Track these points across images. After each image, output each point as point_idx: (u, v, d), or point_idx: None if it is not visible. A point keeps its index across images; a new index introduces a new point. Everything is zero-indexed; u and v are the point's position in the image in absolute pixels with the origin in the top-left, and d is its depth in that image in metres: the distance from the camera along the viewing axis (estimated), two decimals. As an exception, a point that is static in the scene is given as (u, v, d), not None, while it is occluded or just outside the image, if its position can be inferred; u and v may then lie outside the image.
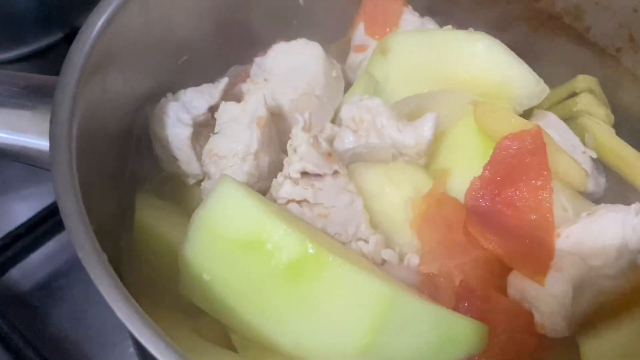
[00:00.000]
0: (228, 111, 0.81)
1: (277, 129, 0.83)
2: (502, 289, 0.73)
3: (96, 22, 0.73)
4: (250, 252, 0.67)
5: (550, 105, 0.94)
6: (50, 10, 1.16)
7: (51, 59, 1.24)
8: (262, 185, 0.78)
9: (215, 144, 0.80)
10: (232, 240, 0.67)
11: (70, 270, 1.08)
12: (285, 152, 0.76)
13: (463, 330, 0.68)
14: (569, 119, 0.93)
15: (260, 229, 0.67)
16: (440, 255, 0.72)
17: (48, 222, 1.03)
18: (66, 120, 0.63)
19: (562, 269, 0.71)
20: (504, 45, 0.85)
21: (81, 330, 1.02)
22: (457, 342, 0.68)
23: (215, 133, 0.81)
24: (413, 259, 0.74)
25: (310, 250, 0.66)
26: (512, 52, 0.85)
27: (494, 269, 0.72)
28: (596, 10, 0.91)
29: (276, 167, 0.78)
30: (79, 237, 0.58)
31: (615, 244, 0.71)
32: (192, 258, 0.69)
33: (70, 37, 1.21)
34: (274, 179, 0.75)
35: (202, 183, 0.80)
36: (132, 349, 1.01)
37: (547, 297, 0.70)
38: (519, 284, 0.72)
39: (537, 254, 0.71)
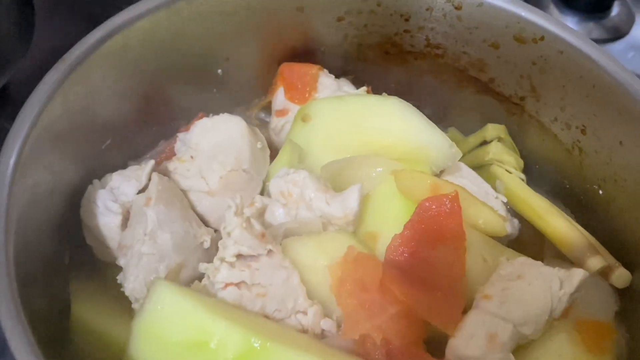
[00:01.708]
0: (136, 203, 0.82)
1: (201, 203, 0.86)
2: (420, 340, 0.77)
3: (26, 119, 0.75)
4: (196, 354, 0.68)
5: (463, 154, 1.00)
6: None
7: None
8: (171, 262, 0.79)
9: (123, 236, 0.82)
10: (175, 343, 0.69)
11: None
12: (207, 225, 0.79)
13: None
14: (481, 167, 0.99)
15: (202, 329, 0.69)
16: (360, 318, 0.76)
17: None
18: (3, 215, 0.65)
19: (504, 343, 0.75)
20: (416, 110, 0.90)
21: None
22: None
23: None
24: (332, 328, 0.77)
25: (255, 345, 0.68)
26: (424, 117, 0.90)
27: (411, 323, 0.76)
28: (498, 63, 0.97)
29: (188, 243, 0.81)
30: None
31: (545, 316, 0.77)
32: None
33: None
34: (210, 264, 0.77)
35: (118, 277, 0.80)
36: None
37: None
38: (463, 353, 0.75)
39: (448, 306, 0.76)
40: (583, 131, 0.91)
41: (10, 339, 0.62)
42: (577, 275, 0.78)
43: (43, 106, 0.76)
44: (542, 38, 0.89)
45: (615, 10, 1.52)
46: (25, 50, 1.14)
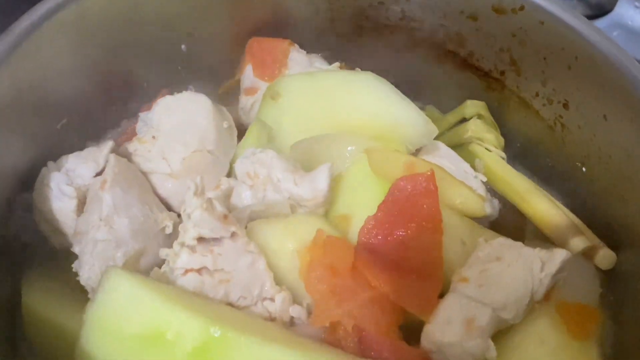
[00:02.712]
0: (92, 187, 0.77)
1: (163, 186, 0.81)
2: (395, 327, 0.73)
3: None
4: (151, 346, 0.64)
5: (441, 132, 0.96)
6: None
7: None
8: (129, 249, 0.74)
9: (79, 222, 0.77)
10: (130, 335, 0.64)
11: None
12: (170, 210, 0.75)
13: None
14: (460, 145, 0.95)
15: (158, 320, 0.64)
16: (330, 305, 0.71)
17: None
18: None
19: (482, 328, 0.71)
20: (391, 85, 0.86)
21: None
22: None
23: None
24: (302, 315, 0.73)
25: (216, 334, 0.63)
26: (399, 93, 0.85)
27: (385, 309, 0.72)
28: (477, 37, 0.92)
29: (148, 228, 0.76)
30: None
31: (525, 299, 0.73)
32: (90, 357, 0.65)
33: None
34: (170, 250, 0.72)
35: (73, 265, 0.75)
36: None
37: (467, 356, 0.71)
38: (439, 340, 0.71)
39: (424, 290, 0.72)
40: (565, 106, 0.87)
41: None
42: (559, 255, 0.74)
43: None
44: (522, 8, 0.85)
45: (599, -14, 1.48)
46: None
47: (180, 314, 0.63)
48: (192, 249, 0.71)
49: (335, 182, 0.81)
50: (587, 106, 0.84)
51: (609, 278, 0.83)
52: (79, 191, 0.79)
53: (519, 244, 0.76)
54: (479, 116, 0.96)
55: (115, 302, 0.65)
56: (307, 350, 0.67)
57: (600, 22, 1.47)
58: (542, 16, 0.83)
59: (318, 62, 0.96)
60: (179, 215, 0.81)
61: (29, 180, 0.80)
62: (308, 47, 0.98)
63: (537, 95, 0.90)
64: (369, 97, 0.85)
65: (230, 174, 0.87)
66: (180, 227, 0.74)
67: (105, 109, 0.91)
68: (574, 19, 0.81)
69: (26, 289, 0.75)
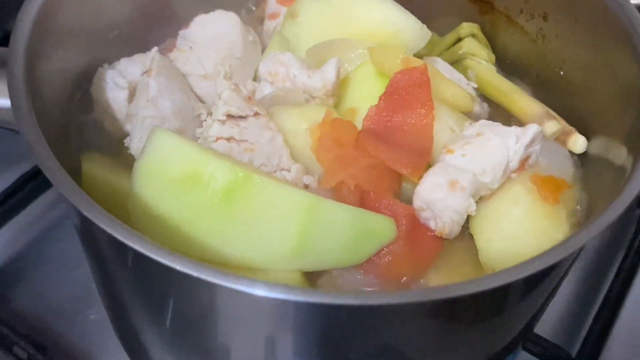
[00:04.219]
0: (140, 81, 0.93)
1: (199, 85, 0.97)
2: (391, 190, 0.87)
3: (34, 5, 0.85)
4: (189, 186, 0.77)
5: (439, 52, 1.10)
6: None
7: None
8: (171, 126, 0.90)
9: (129, 107, 0.93)
10: (172, 179, 0.77)
11: (25, 255, 1.20)
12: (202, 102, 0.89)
13: (376, 224, 0.81)
14: (456, 62, 1.08)
15: (195, 165, 0.77)
16: (336, 169, 0.85)
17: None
18: (22, 81, 0.75)
19: (464, 188, 0.84)
20: (393, 1, 1.00)
21: (43, 306, 1.12)
22: (372, 235, 0.81)
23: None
24: (313, 183, 0.87)
25: (240, 174, 0.77)
26: (400, 7, 0.99)
27: (382, 173, 0.86)
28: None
29: (187, 112, 0.92)
30: (50, 164, 0.69)
31: (501, 166, 0.86)
32: (140, 200, 0.79)
33: (5, 41, 1.31)
34: (204, 122, 0.87)
35: (124, 141, 0.91)
36: (92, 316, 1.12)
37: (451, 211, 0.84)
38: (427, 197, 0.84)
39: (415, 158, 0.86)
40: (545, 17, 1.00)
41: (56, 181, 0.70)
42: (531, 129, 0.86)
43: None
44: None
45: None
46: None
47: (212, 161, 0.78)
48: (222, 122, 0.86)
49: (343, 82, 0.96)
50: (561, 15, 0.97)
51: (581, 160, 0.95)
52: (130, 84, 0.94)
53: (498, 124, 0.89)
54: (473, 36, 1.09)
55: (160, 152, 0.79)
56: (317, 195, 0.81)
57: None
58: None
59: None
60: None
61: (88, 78, 0.96)
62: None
63: (521, 12, 1.04)
64: (374, 10, 0.99)
65: (255, 79, 1.02)
66: (213, 108, 0.89)
67: (150, 28, 1.06)
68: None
69: (85, 160, 0.90)
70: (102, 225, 0.64)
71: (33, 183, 1.20)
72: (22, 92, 0.74)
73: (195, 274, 0.61)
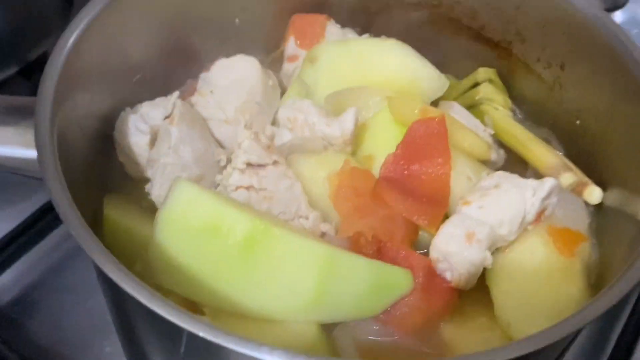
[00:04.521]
0: (162, 126, 0.95)
1: (219, 130, 0.99)
2: (407, 240, 0.88)
3: (63, 48, 0.86)
4: (210, 237, 0.78)
5: (456, 96, 1.11)
6: (4, 48, 1.27)
7: (8, 91, 1.34)
8: (192, 174, 0.91)
9: (151, 153, 0.95)
10: (193, 229, 0.79)
11: (43, 284, 1.20)
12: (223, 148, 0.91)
13: (393, 277, 0.82)
14: (472, 107, 1.09)
15: (215, 216, 0.79)
16: (353, 219, 0.86)
17: (17, 242, 1.15)
18: (48, 131, 0.76)
19: (481, 240, 0.85)
20: (411, 48, 1.01)
21: (58, 336, 1.12)
22: (389, 287, 0.82)
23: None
24: (331, 231, 0.88)
25: (260, 226, 0.78)
26: (417, 54, 1.01)
27: (399, 224, 0.87)
28: (487, 11, 1.07)
29: (207, 159, 0.93)
30: (74, 222, 0.71)
31: (518, 218, 0.87)
32: (161, 249, 0.80)
33: (24, 71, 1.33)
34: (224, 170, 0.89)
35: (145, 187, 0.92)
36: (108, 349, 1.13)
37: (467, 263, 0.85)
38: (444, 249, 0.85)
39: (432, 209, 0.87)
40: (562, 67, 1.01)
41: (76, 234, 0.72)
42: (548, 183, 0.87)
43: (79, 36, 0.88)
44: (523, -17, 1.00)
45: (614, -18, 1.61)
46: (65, 20, 1.27)
47: (232, 212, 0.79)
48: (241, 171, 0.88)
49: (361, 129, 0.97)
50: (579, 66, 0.98)
51: (597, 212, 0.96)
52: (151, 129, 0.96)
53: (516, 175, 0.90)
54: (490, 81, 1.10)
55: (181, 203, 0.80)
56: (336, 247, 0.82)
57: (615, 17, 1.60)
58: (540, -11, 0.99)
59: (351, 34, 1.13)
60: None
61: (111, 122, 0.98)
62: (342, 23, 1.14)
63: (538, 60, 1.05)
64: (392, 58, 1.01)
65: (274, 123, 1.04)
66: (232, 155, 0.90)
67: (172, 70, 1.08)
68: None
69: (107, 205, 0.92)
70: (117, 281, 0.66)
71: (51, 214, 1.22)
72: (48, 144, 0.76)
73: (201, 334, 0.63)
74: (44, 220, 1.21)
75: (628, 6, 1.65)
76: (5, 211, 1.22)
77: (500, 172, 0.91)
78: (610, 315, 1.16)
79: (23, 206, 1.23)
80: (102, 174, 0.97)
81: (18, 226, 1.16)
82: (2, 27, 1.25)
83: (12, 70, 1.31)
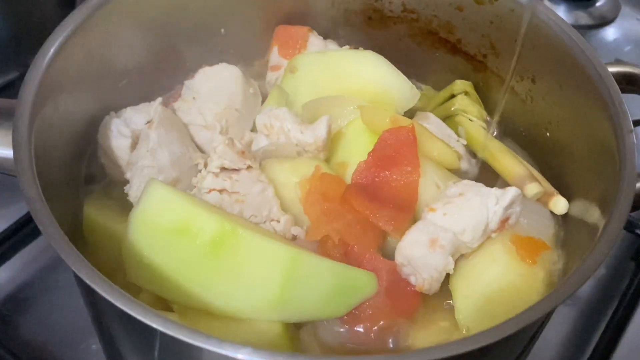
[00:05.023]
0: (143, 131, 0.99)
1: (199, 135, 1.02)
2: (374, 245, 0.90)
3: (46, 54, 0.90)
4: (180, 237, 0.82)
5: (433, 107, 1.14)
6: (5, 53, 1.32)
7: (8, 96, 1.39)
8: (168, 176, 0.94)
9: (131, 156, 0.98)
10: (164, 229, 0.82)
11: (34, 283, 1.23)
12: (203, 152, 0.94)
13: (356, 279, 0.85)
14: (449, 118, 1.12)
15: (185, 217, 0.82)
16: (321, 223, 0.89)
17: (10, 241, 1.20)
18: (26, 133, 0.80)
19: (444, 246, 0.88)
20: (385, 59, 1.04)
21: (48, 333, 1.16)
22: (353, 289, 0.85)
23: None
24: (301, 234, 0.91)
25: (227, 228, 0.81)
26: (391, 65, 1.04)
27: (366, 228, 0.90)
28: (463, 25, 1.11)
29: (184, 162, 0.97)
30: (43, 219, 0.73)
31: (481, 226, 0.90)
32: (133, 247, 0.83)
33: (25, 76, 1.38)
34: (199, 173, 0.92)
35: (124, 187, 0.96)
36: (94, 346, 1.16)
37: (431, 268, 0.87)
38: (408, 254, 0.88)
39: (398, 216, 0.90)
40: (533, 80, 1.04)
41: (47, 235, 0.74)
42: (510, 192, 0.90)
43: (62, 42, 0.91)
44: (497, -1, 1.03)
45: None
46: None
47: (202, 213, 0.82)
48: (215, 174, 0.91)
49: (335, 136, 1.00)
50: (548, 79, 1.01)
51: (563, 221, 0.98)
52: (133, 133, 1.00)
53: (480, 184, 0.93)
54: (466, 93, 1.13)
55: (153, 204, 0.83)
56: (300, 249, 0.85)
57: (603, 32, 1.63)
58: (512, 5, 1.02)
59: (332, 45, 1.16)
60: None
61: (95, 125, 1.02)
62: (325, 35, 1.18)
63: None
64: (367, 69, 1.04)
65: (253, 129, 1.07)
66: (208, 159, 0.94)
67: (157, 76, 1.12)
68: (535, 4, 0.98)
69: (87, 204, 0.96)
70: (89, 283, 0.69)
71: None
72: (25, 144, 0.79)
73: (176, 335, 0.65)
74: (35, 221, 1.25)
75: (621, 23, 1.68)
76: (-1, 211, 1.27)
77: (465, 181, 0.94)
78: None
79: (16, 207, 1.27)
80: (85, 175, 1.01)
81: (10, 226, 1.20)
82: (3, 32, 1.30)
83: (13, 75, 1.36)
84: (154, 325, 0.67)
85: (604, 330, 1.16)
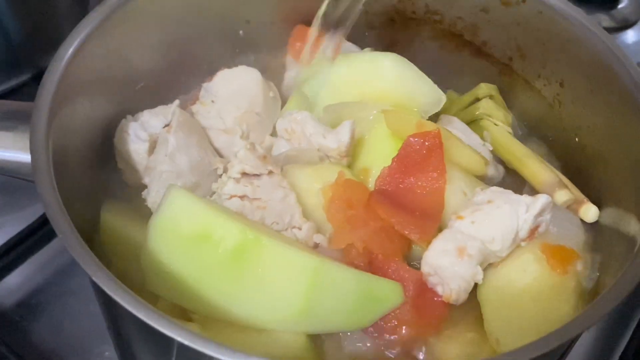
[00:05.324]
0: (161, 134, 0.96)
1: (218, 139, 0.99)
2: (399, 253, 0.88)
3: (63, 57, 0.87)
4: (201, 245, 0.79)
5: (457, 111, 1.11)
6: (18, 54, 1.30)
7: (21, 97, 1.37)
8: (187, 181, 0.92)
9: (149, 161, 0.96)
10: (184, 236, 0.80)
11: (47, 288, 1.21)
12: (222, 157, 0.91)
13: (382, 289, 0.82)
14: (473, 122, 1.09)
15: (206, 224, 0.80)
16: (345, 231, 0.87)
17: (23, 245, 1.17)
18: (43, 137, 0.77)
19: (472, 255, 0.85)
20: (408, 62, 1.01)
21: (60, 340, 1.13)
22: (378, 300, 0.82)
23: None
24: (324, 242, 0.88)
25: (250, 236, 0.79)
26: (415, 68, 1.01)
27: (391, 237, 0.87)
28: (489, 27, 1.08)
29: (203, 167, 0.94)
30: (61, 225, 0.71)
31: (511, 234, 0.87)
32: (153, 256, 0.81)
33: (38, 77, 1.35)
34: (219, 179, 0.89)
35: (142, 193, 0.93)
36: (107, 353, 1.14)
37: (458, 278, 0.84)
38: (435, 263, 0.85)
39: (424, 224, 0.87)
40: (561, 84, 1.01)
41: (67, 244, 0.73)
42: (541, 199, 0.87)
43: (79, 44, 0.89)
44: (524, 0, 1.00)
45: (624, 2, 1.61)
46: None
47: (224, 221, 0.80)
48: (236, 180, 0.88)
49: (358, 141, 0.98)
50: (577, 83, 0.98)
51: (593, 229, 0.95)
52: (150, 137, 0.97)
53: (509, 191, 0.90)
54: (491, 97, 1.10)
55: (174, 210, 0.81)
56: (325, 258, 0.82)
57: (626, 35, 1.60)
58: (540, 6, 0.99)
59: (352, 47, 1.13)
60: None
61: (112, 129, 0.99)
62: (345, 38, 1.15)
63: (539, 76, 1.05)
64: (390, 72, 1.01)
65: (273, 133, 1.05)
66: (228, 165, 0.91)
67: (175, 79, 1.09)
68: (565, 7, 0.95)
69: (105, 210, 0.94)
70: (110, 293, 0.67)
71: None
72: (42, 149, 0.77)
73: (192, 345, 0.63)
74: (49, 224, 1.22)
75: (640, 25, 1.65)
76: (12, 215, 1.24)
77: (494, 188, 0.91)
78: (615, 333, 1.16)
79: (29, 210, 1.25)
80: (102, 180, 0.99)
81: (24, 230, 1.17)
82: (16, 34, 1.29)
83: (25, 77, 1.34)
84: (177, 338, 0.65)
85: (627, 342, 1.12)
